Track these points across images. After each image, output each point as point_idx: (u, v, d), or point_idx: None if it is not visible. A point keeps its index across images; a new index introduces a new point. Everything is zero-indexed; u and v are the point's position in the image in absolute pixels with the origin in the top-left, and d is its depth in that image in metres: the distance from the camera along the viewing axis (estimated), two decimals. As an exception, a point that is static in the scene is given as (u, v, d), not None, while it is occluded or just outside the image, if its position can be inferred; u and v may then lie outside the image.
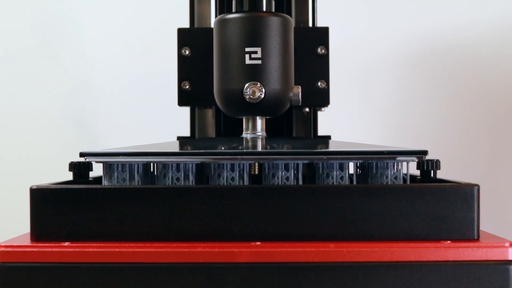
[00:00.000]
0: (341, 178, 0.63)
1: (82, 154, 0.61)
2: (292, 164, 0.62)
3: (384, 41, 1.14)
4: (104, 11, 1.16)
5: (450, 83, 1.14)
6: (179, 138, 0.85)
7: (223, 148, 0.66)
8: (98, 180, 0.66)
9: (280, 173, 0.62)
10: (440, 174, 0.66)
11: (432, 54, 1.14)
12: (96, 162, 0.62)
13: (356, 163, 0.67)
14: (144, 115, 1.14)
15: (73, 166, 0.64)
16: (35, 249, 0.56)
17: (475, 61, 1.14)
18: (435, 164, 0.65)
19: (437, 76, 1.14)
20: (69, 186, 0.58)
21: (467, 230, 0.57)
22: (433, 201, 0.57)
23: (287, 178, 0.63)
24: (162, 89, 1.12)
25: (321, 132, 0.85)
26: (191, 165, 0.62)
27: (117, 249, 0.56)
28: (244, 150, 0.64)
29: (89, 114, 1.15)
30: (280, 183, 0.62)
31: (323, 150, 0.66)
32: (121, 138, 1.12)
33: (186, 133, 0.85)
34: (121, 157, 0.61)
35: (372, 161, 0.64)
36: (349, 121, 1.14)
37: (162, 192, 0.57)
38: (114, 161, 0.62)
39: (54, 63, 1.16)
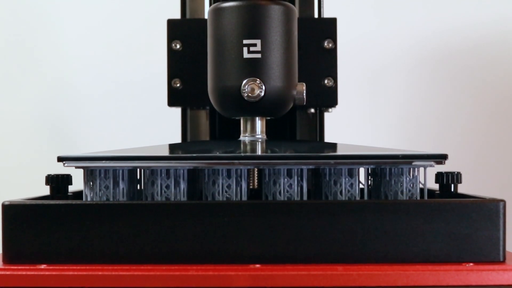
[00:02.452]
0: (351, 185, 0.63)
1: (60, 159, 0.60)
2: (296, 170, 0.62)
3: (399, 38, 1.15)
4: (85, 3, 1.15)
5: (471, 85, 1.14)
6: None
7: (218, 152, 0.65)
8: (78, 195, 0.66)
9: (282, 180, 0.62)
10: (462, 188, 0.66)
11: (452, 53, 1.14)
12: (76, 167, 0.61)
13: (368, 169, 0.67)
14: (130, 118, 1.15)
15: (50, 179, 0.64)
16: (7, 272, 0.55)
17: (499, 61, 1.14)
18: (456, 177, 0.65)
19: (457, 77, 1.14)
20: (46, 202, 0.58)
21: (491, 251, 0.57)
22: (454, 219, 0.57)
23: (290, 186, 0.62)
24: (150, 88, 1.12)
25: (327, 135, 0.85)
26: (182, 171, 0.62)
27: (100, 273, 0.55)
28: (242, 154, 0.63)
29: (68, 119, 1.15)
30: (282, 191, 0.62)
31: (330, 154, 0.66)
32: (104, 145, 1.11)
33: (177, 136, 0.84)
34: (104, 161, 0.61)
35: (385, 166, 0.63)
36: (358, 124, 1.14)
37: (150, 209, 0.57)
38: (96, 166, 0.61)
39: (29, 63, 1.16)
